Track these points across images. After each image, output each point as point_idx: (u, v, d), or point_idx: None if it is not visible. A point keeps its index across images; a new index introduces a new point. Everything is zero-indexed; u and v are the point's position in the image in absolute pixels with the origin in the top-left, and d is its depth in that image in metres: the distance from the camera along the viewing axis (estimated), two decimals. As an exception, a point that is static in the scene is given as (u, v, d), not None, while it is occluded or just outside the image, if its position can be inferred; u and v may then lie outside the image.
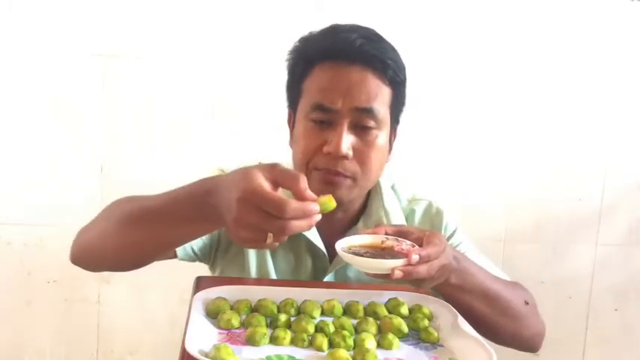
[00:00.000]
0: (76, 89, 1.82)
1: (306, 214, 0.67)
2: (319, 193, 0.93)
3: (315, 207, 0.68)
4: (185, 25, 1.83)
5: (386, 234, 0.84)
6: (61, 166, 1.84)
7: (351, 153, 0.95)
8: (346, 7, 1.83)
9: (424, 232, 0.84)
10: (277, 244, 0.69)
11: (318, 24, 1.04)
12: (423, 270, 0.77)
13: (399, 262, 0.76)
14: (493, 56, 1.92)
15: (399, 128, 1.07)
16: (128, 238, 0.85)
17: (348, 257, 0.78)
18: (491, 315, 0.92)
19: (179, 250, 1.00)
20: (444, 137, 1.94)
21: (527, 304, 0.99)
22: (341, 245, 0.81)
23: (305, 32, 1.04)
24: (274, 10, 1.83)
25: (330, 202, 0.70)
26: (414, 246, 0.80)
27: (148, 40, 1.83)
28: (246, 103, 1.85)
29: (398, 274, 0.75)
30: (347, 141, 0.95)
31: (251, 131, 1.84)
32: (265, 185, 0.67)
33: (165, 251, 0.94)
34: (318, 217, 0.69)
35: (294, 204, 0.66)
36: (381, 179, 1.08)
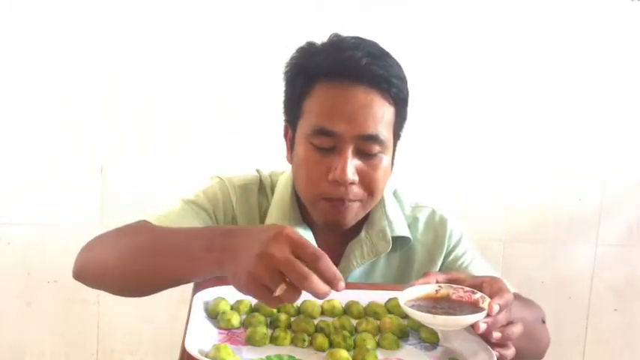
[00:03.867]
0: (76, 89, 1.82)
1: (332, 279, 0.64)
2: (327, 222, 0.94)
3: (341, 283, 0.65)
4: (184, 25, 1.83)
5: (436, 282, 0.80)
6: (61, 166, 1.84)
7: (357, 178, 0.93)
8: (346, 8, 1.83)
9: (480, 278, 0.80)
10: (282, 302, 0.65)
11: (318, 24, 1.02)
12: (502, 319, 0.75)
13: (479, 316, 0.73)
14: (492, 55, 1.92)
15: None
16: (129, 270, 0.83)
17: (423, 317, 0.73)
18: (519, 341, 0.92)
19: None
20: (444, 138, 1.94)
21: (544, 322, 0.98)
22: (403, 302, 0.76)
23: (304, 35, 0.99)
24: (274, 10, 1.83)
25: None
26: (474, 292, 0.77)
27: (149, 41, 1.83)
28: (246, 103, 1.85)
29: (483, 326, 0.72)
30: (352, 167, 0.92)
31: (251, 131, 1.84)
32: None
33: (165, 288, 0.86)
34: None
35: (329, 260, 0.65)
36: None
